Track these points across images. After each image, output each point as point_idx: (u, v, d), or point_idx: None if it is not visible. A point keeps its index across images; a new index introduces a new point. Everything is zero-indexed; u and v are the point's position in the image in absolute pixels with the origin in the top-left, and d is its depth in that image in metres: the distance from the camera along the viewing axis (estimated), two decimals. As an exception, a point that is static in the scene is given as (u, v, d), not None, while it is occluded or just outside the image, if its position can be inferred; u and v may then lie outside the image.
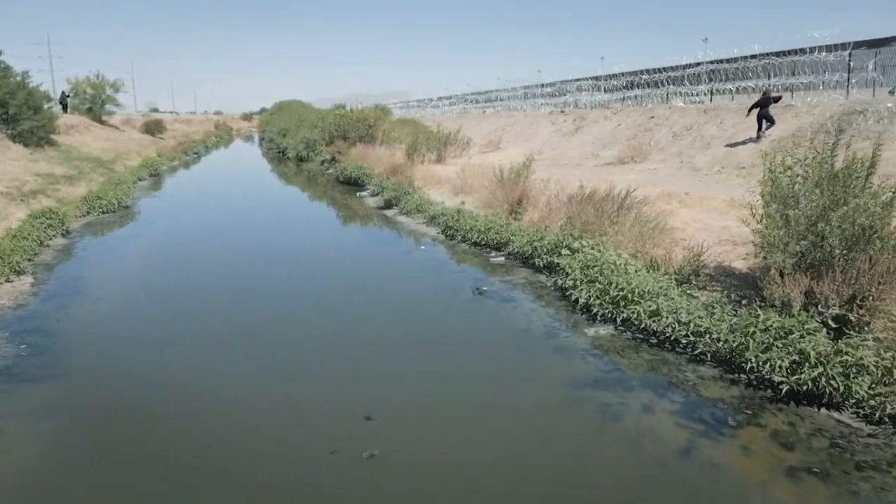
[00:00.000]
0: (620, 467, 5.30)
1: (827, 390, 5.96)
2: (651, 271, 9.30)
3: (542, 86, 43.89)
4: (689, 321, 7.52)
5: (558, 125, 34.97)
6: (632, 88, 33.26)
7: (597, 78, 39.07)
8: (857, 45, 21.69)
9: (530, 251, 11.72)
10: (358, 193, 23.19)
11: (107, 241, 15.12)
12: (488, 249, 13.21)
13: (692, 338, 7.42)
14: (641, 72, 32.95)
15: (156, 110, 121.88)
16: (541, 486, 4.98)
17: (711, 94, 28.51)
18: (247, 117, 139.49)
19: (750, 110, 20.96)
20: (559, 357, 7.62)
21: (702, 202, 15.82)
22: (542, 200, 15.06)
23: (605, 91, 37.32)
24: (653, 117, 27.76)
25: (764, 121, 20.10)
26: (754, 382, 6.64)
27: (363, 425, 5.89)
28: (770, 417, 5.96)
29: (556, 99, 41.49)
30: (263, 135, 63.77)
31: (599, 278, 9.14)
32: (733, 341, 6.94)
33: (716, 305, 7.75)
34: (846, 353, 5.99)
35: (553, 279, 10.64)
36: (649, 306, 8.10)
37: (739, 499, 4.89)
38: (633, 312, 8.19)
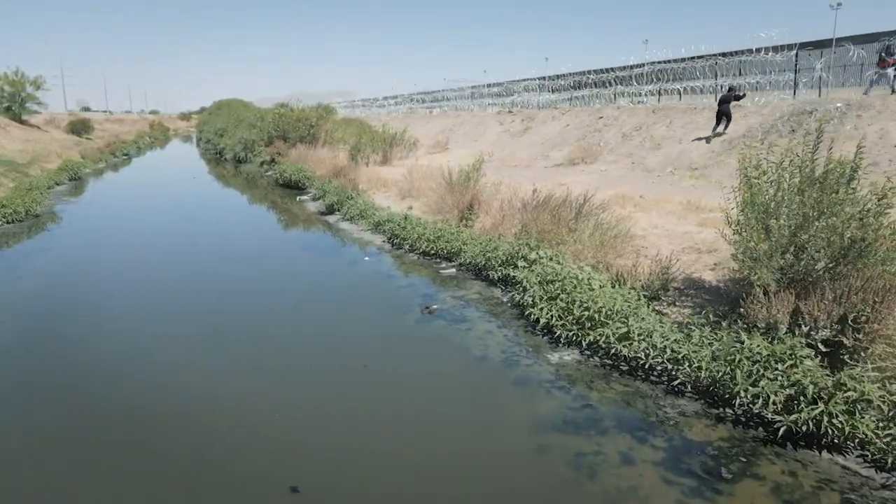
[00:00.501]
0: (603, 542, 4.36)
1: (828, 430, 5.18)
2: (617, 286, 8.45)
3: (489, 86, 43.20)
4: (665, 346, 6.67)
5: (506, 125, 34.27)
6: (579, 88, 32.85)
7: (543, 78, 38.58)
8: (803, 45, 21.67)
9: (483, 262, 10.76)
10: (298, 197, 21.79)
11: (4, 256, 13.36)
12: (438, 260, 12.19)
13: (669, 365, 6.57)
14: (588, 72, 32.58)
15: (87, 109, 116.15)
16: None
17: (659, 94, 28.31)
18: (185, 117, 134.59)
19: (720, 103, 20.51)
20: (521, 391, 6.64)
21: (658, 205, 15.24)
22: (495, 205, 14.15)
23: (551, 91, 36.85)
24: (601, 117, 27.32)
25: (724, 117, 19.70)
26: (743, 419, 5.83)
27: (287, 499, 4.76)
28: (768, 466, 5.13)
29: (503, 99, 40.86)
30: (201, 135, 61.05)
31: (561, 295, 8.24)
32: (716, 370, 6.12)
33: (692, 327, 6.93)
34: (849, 388, 5.22)
35: (509, 294, 9.71)
36: (618, 328, 7.23)
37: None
38: (600, 336, 7.31)
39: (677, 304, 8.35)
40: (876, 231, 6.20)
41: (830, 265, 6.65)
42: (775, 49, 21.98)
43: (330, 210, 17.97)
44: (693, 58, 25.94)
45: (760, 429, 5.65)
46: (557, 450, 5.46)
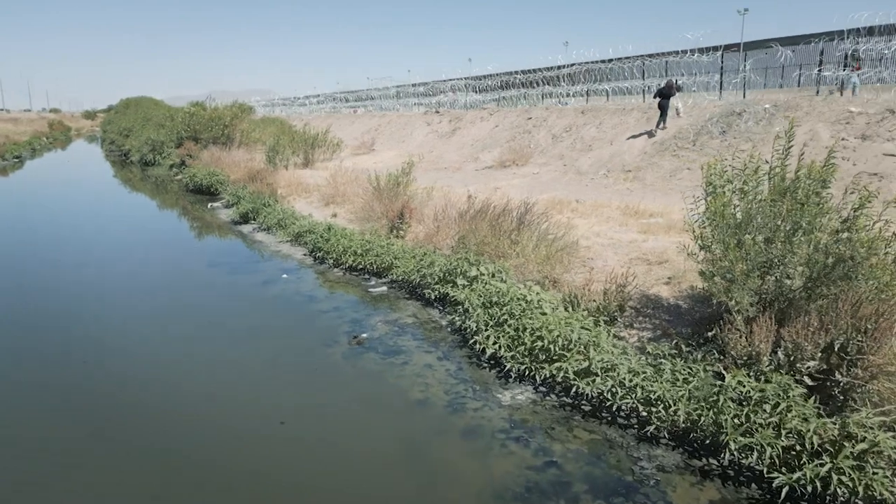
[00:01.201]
0: None
1: (836, 489, 4.39)
2: (570, 308, 7.53)
3: (415, 85, 42.15)
4: (634, 384, 5.77)
5: (434, 126, 33.30)
6: (506, 89, 32.30)
7: (470, 78, 37.93)
8: (728, 47, 21.77)
9: (418, 279, 9.65)
10: (210, 204, 19.97)
11: None
12: (367, 276, 10.99)
13: (640, 406, 5.67)
14: (516, 72, 32.09)
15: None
16: None
17: (587, 94, 28.07)
18: (90, 115, 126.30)
19: (655, 97, 20.15)
20: (471, 446, 5.57)
21: (596, 210, 14.58)
22: (428, 213, 13.06)
23: (478, 91, 36.20)
24: (530, 118, 26.77)
25: (662, 112, 19.33)
26: (732, 473, 4.98)
27: None
28: (774, 538, 4.28)
29: (428, 99, 39.91)
30: (105, 136, 56.87)
31: (509, 320, 7.25)
32: (696, 413, 5.27)
33: (661, 359, 6.06)
34: (859, 438, 4.45)
35: (449, 317, 8.64)
36: (578, 362, 6.29)
37: None
38: (557, 370, 6.35)
39: (635, 325, 7.53)
40: (868, 247, 5.48)
41: (809, 285, 5.94)
42: (701, 51, 22.01)
43: (244, 219, 16.36)
44: (620, 59, 25.79)
45: (754, 485, 4.82)
46: (521, 529, 4.42)
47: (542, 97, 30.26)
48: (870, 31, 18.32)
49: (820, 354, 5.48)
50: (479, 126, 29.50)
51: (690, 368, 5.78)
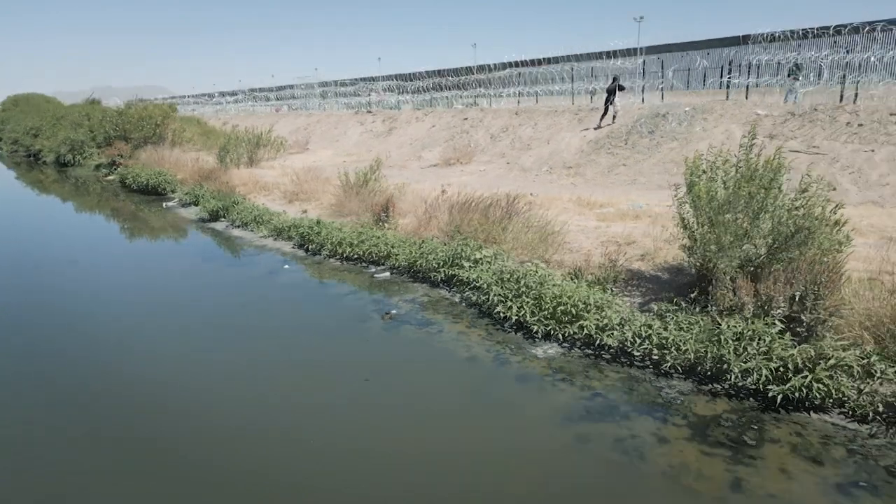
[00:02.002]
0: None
1: (816, 394, 6.00)
2: (573, 280, 8.94)
3: (343, 84, 42.63)
4: (649, 334, 7.23)
5: (367, 126, 34.10)
6: (439, 90, 33.63)
7: (395, 76, 38.92)
8: (650, 50, 24.13)
9: (424, 264, 10.74)
10: (164, 204, 19.98)
11: None
12: (364, 264, 11.94)
13: (655, 351, 7.13)
14: (447, 72, 33.48)
15: None
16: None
17: (518, 96, 29.89)
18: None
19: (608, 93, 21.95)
20: (528, 387, 6.84)
21: (551, 203, 16.09)
22: (405, 207, 14.15)
23: (409, 92, 37.31)
24: (466, 119, 28.23)
25: (609, 106, 21.16)
26: (733, 392, 6.52)
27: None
28: (775, 430, 5.82)
29: (358, 98, 40.56)
30: (1, 136, 53.11)
31: (528, 291, 8.54)
32: (701, 351, 6.79)
33: (667, 314, 7.56)
34: (831, 356, 6.09)
35: (458, 294, 9.84)
36: (597, 320, 7.70)
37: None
38: (579, 328, 7.72)
39: (625, 293, 9.03)
40: (819, 221, 7.21)
41: (771, 252, 7.62)
42: (623, 54, 24.28)
43: (214, 217, 16.72)
44: (549, 61, 27.75)
45: (751, 398, 6.37)
46: (596, 439, 5.73)
47: (476, 100, 31.81)
48: (771, 38, 21.09)
49: (786, 303, 7.15)
50: (415, 126, 30.65)
51: (690, 319, 7.31)
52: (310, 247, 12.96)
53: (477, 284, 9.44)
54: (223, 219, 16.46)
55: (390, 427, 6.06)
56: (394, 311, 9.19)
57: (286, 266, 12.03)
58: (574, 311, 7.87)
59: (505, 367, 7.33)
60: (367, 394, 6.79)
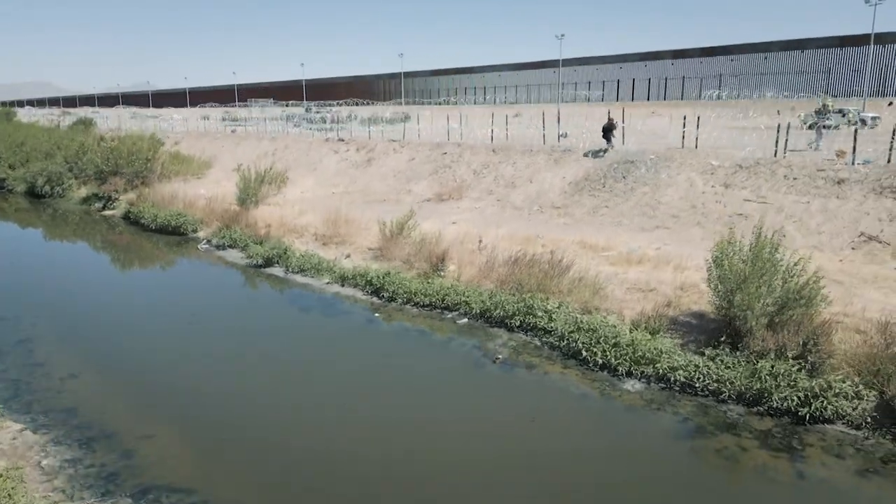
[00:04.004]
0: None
1: (828, 413, 9.40)
2: (635, 329, 12.09)
3: (307, 109, 44.20)
4: (707, 373, 10.46)
5: (342, 154, 36.14)
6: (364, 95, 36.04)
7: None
8: (567, 62, 27.73)
9: (501, 313, 13.50)
10: (199, 246, 21.65)
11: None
12: (438, 310, 14.58)
13: (713, 384, 10.35)
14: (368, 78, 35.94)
15: None
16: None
17: (446, 103, 32.86)
18: None
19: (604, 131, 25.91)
20: (636, 415, 9.90)
21: (559, 245, 19.03)
22: (452, 252, 16.81)
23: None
24: (445, 153, 31.04)
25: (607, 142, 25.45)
26: (773, 413, 9.83)
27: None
28: (810, 437, 9.17)
29: (322, 125, 42.34)
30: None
31: (605, 339, 11.58)
32: (748, 385, 10.07)
33: (715, 357, 10.81)
34: (836, 388, 9.51)
35: (537, 339, 12.73)
36: (669, 362, 10.86)
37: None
38: (654, 369, 10.85)
39: (667, 336, 12.27)
40: (814, 290, 10.72)
41: (780, 310, 11.06)
42: (542, 65, 27.81)
43: (268, 262, 18.72)
44: (471, 70, 30.84)
45: (786, 417, 9.69)
46: (700, 450, 8.87)
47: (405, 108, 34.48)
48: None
49: (796, 348, 10.57)
50: (394, 157, 33.10)
51: (732, 360, 10.59)
52: (384, 294, 15.44)
53: (554, 331, 12.38)
54: (277, 264, 18.50)
55: (562, 462, 8.93)
56: (500, 357, 12.00)
57: (377, 314, 14.52)
58: (648, 357, 11.00)
59: (612, 400, 10.36)
60: (534, 436, 9.60)
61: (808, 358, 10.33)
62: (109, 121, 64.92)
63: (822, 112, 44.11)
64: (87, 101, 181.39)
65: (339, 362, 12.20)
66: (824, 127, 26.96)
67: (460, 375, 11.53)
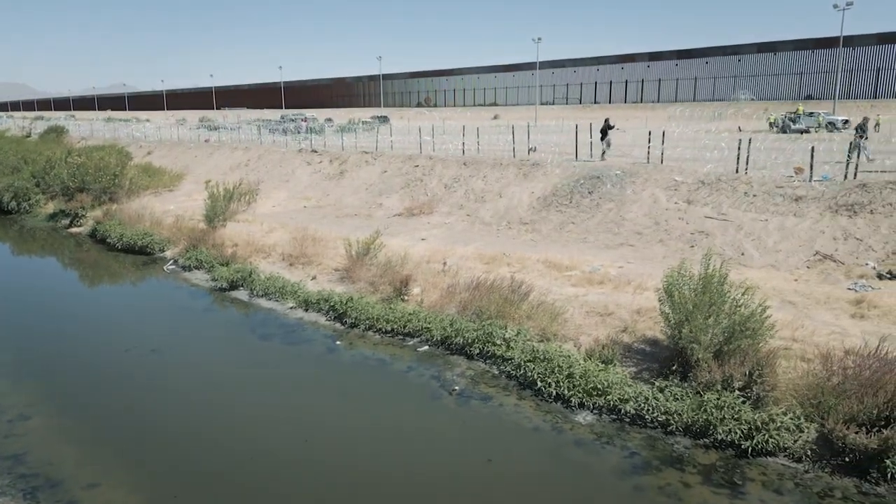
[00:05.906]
0: None
1: (770, 446, 9.63)
2: (588, 359, 12.25)
3: (281, 120, 44.01)
4: (657, 404, 10.65)
5: (315, 166, 36.07)
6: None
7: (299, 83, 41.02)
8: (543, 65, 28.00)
9: (461, 341, 13.61)
10: (165, 267, 21.51)
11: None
12: (401, 337, 14.66)
13: (661, 416, 10.54)
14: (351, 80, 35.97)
15: None
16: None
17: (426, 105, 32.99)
18: None
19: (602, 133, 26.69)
20: (585, 449, 10.06)
21: (523, 265, 19.34)
22: (416, 273, 16.90)
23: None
24: (417, 166, 31.11)
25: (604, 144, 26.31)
26: (717, 445, 10.03)
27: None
28: (752, 471, 9.39)
29: (297, 135, 42.24)
30: None
31: (561, 370, 11.73)
32: (695, 417, 10.27)
33: (664, 388, 11.00)
34: (777, 421, 9.74)
35: (495, 367, 12.86)
36: (618, 395, 11.03)
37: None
38: (606, 400, 11.02)
39: (621, 364, 12.45)
40: (760, 322, 10.95)
41: (727, 341, 11.28)
42: (520, 67, 28.06)
43: (232, 286, 18.66)
44: (451, 72, 31.01)
45: (730, 449, 9.91)
46: (646, 487, 9.04)
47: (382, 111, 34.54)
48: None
49: (742, 378, 10.79)
50: (366, 170, 33.11)
51: (680, 392, 10.79)
52: (347, 320, 15.49)
53: (512, 359, 12.52)
54: (242, 287, 18.46)
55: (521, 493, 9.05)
56: (457, 388, 12.11)
57: (338, 342, 14.56)
58: (600, 388, 11.17)
59: (563, 434, 10.51)
60: (491, 474, 9.72)
61: (754, 389, 10.58)
62: (82, 128, 64.35)
63: (793, 116, 45.02)
64: (63, 104, 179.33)
65: (294, 397, 12.24)
66: (860, 138, 22.70)
67: (414, 412, 11.62)
